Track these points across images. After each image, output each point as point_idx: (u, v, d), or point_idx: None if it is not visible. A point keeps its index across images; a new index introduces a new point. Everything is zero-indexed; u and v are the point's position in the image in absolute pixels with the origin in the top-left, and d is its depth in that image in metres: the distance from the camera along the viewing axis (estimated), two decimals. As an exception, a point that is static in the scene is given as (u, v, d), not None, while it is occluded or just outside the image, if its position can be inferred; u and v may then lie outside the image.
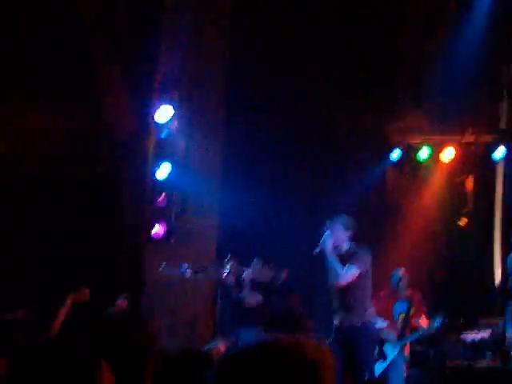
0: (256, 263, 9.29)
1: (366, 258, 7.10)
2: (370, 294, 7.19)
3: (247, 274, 9.16)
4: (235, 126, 11.02)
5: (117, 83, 9.39)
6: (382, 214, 12.24)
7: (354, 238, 7.53)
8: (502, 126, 11.65)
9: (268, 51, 11.12)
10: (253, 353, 1.75)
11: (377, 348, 8.57)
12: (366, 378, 6.68)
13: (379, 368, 8.58)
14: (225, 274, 8.85)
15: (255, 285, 9.26)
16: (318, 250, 7.14)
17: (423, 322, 9.16)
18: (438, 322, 8.93)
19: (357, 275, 7.05)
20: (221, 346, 3.91)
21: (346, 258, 7.23)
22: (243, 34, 10.80)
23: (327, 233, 7.24)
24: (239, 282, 9.22)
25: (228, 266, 8.81)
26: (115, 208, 9.32)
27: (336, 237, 7.21)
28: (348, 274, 7.01)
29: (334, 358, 1.80)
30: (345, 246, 7.27)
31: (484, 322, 9.90)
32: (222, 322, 8.79)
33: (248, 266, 9.11)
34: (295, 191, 11.91)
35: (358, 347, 6.96)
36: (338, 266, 7.02)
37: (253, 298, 9.24)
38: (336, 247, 7.22)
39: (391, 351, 8.84)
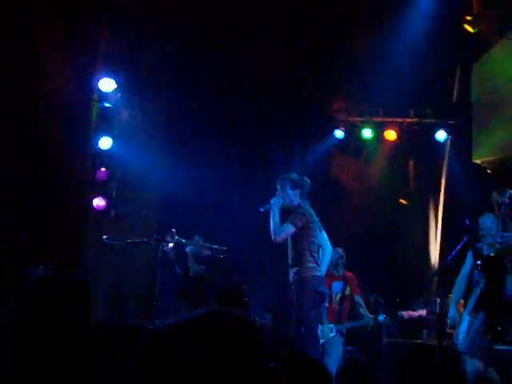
0: (197, 239, 9.29)
1: (302, 217, 7.03)
2: (313, 249, 7.14)
3: (189, 249, 9.14)
4: (178, 100, 10.94)
5: (59, 52, 9.18)
6: (325, 193, 12.32)
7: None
8: (446, 107, 11.81)
9: (207, 30, 11.06)
10: (184, 328, 1.72)
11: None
12: (302, 331, 6.66)
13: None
14: (167, 247, 8.80)
15: (197, 259, 9.27)
16: (263, 207, 7.10)
17: (368, 312, 9.23)
18: (381, 318, 9.03)
19: (291, 232, 7.02)
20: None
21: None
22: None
23: (277, 191, 7.22)
24: (182, 256, 9.23)
25: (170, 239, 8.75)
26: (54, 179, 9.13)
27: (284, 194, 7.16)
28: (282, 231, 7.00)
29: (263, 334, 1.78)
30: (295, 203, 7.21)
31: (421, 300, 10.05)
32: (161, 294, 8.73)
33: (189, 238, 9.11)
34: (237, 167, 11.88)
35: (296, 301, 6.96)
36: (275, 223, 7.00)
37: (197, 268, 9.27)
38: (286, 205, 7.18)
39: (330, 330, 8.92)
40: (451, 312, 7.21)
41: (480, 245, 6.99)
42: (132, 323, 7.99)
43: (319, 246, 7.30)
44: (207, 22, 10.93)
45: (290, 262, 7.09)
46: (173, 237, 8.52)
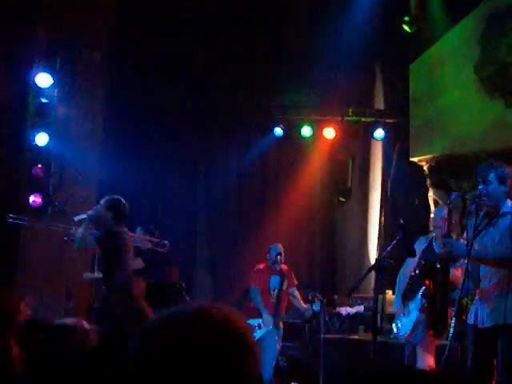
0: (139, 231, 9.27)
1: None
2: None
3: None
4: (116, 95, 10.87)
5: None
6: (264, 190, 12.39)
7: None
8: (382, 106, 11.96)
9: (154, 22, 11.03)
10: (180, 321, 1.68)
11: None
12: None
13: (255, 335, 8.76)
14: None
15: (137, 252, 9.25)
16: (78, 218, 7.35)
17: (303, 303, 9.31)
18: (316, 308, 9.10)
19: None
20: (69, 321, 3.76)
21: None
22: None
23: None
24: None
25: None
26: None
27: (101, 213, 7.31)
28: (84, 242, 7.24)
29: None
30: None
31: (358, 296, 10.17)
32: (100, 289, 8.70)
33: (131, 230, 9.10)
34: (176, 162, 11.86)
35: None
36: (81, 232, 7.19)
37: (135, 262, 9.24)
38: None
39: (266, 324, 8.97)
40: (397, 303, 7.29)
41: (430, 237, 7.13)
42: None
43: None
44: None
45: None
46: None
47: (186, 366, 1.60)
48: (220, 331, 1.66)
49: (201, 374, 1.60)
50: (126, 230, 7.33)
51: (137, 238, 9.06)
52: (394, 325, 7.38)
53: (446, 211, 6.52)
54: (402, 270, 7.42)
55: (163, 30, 11.08)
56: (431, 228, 10.85)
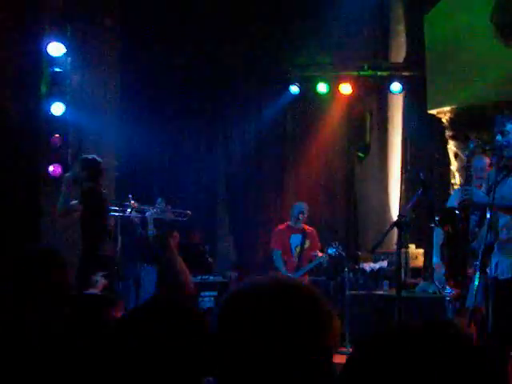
0: (159, 202, 9.27)
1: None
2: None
3: (150, 213, 9.11)
4: (131, 63, 10.81)
5: (5, 16, 9.01)
6: (283, 149, 12.35)
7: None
8: (399, 59, 11.83)
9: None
10: (262, 291, 1.69)
11: None
12: None
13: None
14: (128, 212, 8.78)
15: (159, 224, 9.27)
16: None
17: (319, 253, 9.38)
18: (331, 251, 9.14)
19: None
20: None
21: None
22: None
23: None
24: (142, 221, 9.20)
25: (130, 205, 8.73)
26: (8, 146, 9.01)
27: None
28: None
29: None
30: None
31: (381, 252, 10.17)
32: (124, 258, 8.76)
33: (148, 204, 9.09)
34: (194, 128, 11.85)
35: None
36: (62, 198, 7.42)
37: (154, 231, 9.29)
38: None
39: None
40: (435, 257, 7.11)
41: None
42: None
43: None
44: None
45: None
46: (130, 203, 8.51)
47: (271, 333, 1.63)
48: (308, 306, 1.71)
49: (283, 344, 1.63)
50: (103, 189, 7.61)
51: (159, 209, 9.08)
52: (436, 281, 7.30)
53: (486, 160, 6.38)
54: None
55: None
56: (453, 180, 10.84)
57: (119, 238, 8.42)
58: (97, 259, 7.20)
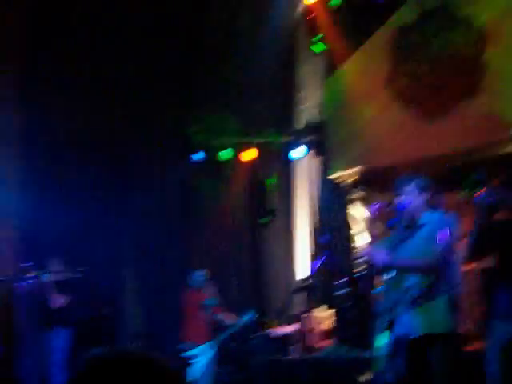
0: (56, 265, 9.14)
1: None
2: None
3: (48, 276, 8.97)
4: (31, 134, 10.62)
5: None
6: (186, 215, 12.28)
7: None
8: (299, 126, 12.03)
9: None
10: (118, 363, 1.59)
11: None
12: None
13: (195, 368, 8.73)
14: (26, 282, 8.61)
15: (59, 286, 9.11)
16: None
17: (229, 317, 9.31)
18: (248, 317, 9.09)
19: None
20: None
21: None
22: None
23: None
24: (42, 286, 9.06)
25: (34, 273, 8.59)
26: None
27: None
28: None
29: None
30: None
31: (289, 315, 10.16)
32: (21, 326, 8.54)
33: (46, 266, 8.98)
34: (99, 197, 11.66)
35: None
36: None
37: (59, 300, 9.11)
38: None
39: (207, 349, 8.92)
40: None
41: None
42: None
43: None
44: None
45: None
46: (27, 271, 8.36)
47: None
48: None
49: None
50: None
51: (52, 271, 8.95)
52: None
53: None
54: None
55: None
56: (353, 244, 10.98)
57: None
58: None
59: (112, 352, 1.65)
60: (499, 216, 5.50)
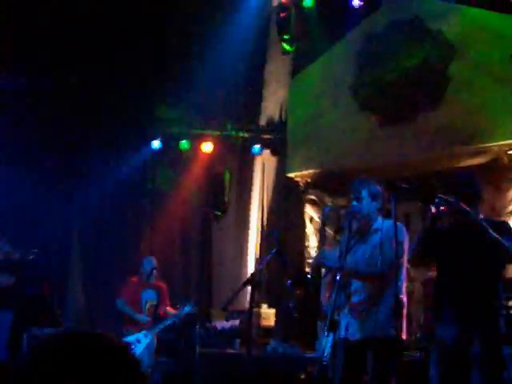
0: (2, 244, 9.00)
1: None
2: None
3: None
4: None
5: None
6: (140, 203, 12.25)
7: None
8: (261, 122, 12.07)
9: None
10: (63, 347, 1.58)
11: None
12: None
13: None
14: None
15: (4, 265, 8.98)
16: None
17: (171, 309, 9.31)
18: (187, 309, 9.07)
19: None
20: None
21: None
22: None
23: None
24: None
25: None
26: None
27: None
28: None
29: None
30: None
31: (234, 310, 10.19)
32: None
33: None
34: (49, 179, 11.51)
35: None
36: None
37: (3, 279, 8.98)
38: None
39: (143, 339, 8.87)
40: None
41: None
42: None
43: None
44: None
45: None
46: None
47: None
48: (112, 359, 1.60)
49: None
50: None
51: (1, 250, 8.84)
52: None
53: None
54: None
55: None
56: (307, 243, 11.07)
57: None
58: None
59: (59, 331, 1.65)
60: (444, 223, 5.57)
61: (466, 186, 5.45)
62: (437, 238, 5.43)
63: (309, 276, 6.32)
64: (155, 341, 9.10)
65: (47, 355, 1.57)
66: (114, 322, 9.73)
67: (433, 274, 6.09)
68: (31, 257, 8.91)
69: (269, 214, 11.72)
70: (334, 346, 5.37)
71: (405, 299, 5.42)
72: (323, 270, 5.86)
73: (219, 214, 12.02)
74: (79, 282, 11.96)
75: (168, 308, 9.36)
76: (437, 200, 5.27)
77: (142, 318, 9.04)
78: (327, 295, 5.67)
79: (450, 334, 5.27)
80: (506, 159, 9.15)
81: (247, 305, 10.02)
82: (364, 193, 5.53)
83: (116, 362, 1.60)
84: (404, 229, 5.52)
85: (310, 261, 5.84)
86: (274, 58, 11.79)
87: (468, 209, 5.28)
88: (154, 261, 9.38)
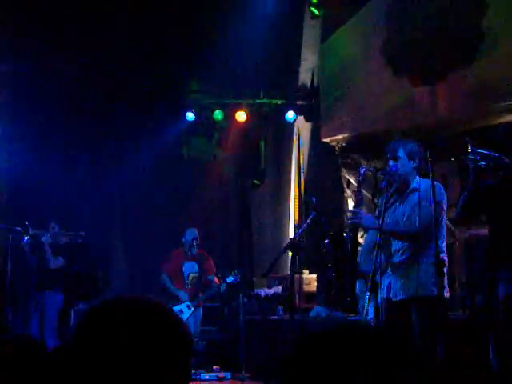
0: (53, 227, 9.12)
1: None
2: None
3: (46, 238, 8.97)
4: (23, 85, 10.59)
5: None
6: (177, 175, 12.32)
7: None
8: (294, 89, 12.04)
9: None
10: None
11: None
12: None
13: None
14: (25, 240, 8.64)
15: (55, 248, 9.11)
16: None
17: (216, 279, 9.39)
18: (230, 279, 9.14)
19: None
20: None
21: None
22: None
23: None
24: (38, 246, 9.05)
25: (24, 232, 8.59)
26: None
27: None
28: None
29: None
30: None
31: (275, 277, 10.25)
32: (14, 286, 8.57)
33: (44, 226, 8.96)
34: (88, 153, 11.66)
35: None
36: None
37: (55, 261, 9.12)
38: None
39: (186, 310, 8.98)
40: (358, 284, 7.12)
41: None
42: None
43: None
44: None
45: None
46: (26, 229, 8.38)
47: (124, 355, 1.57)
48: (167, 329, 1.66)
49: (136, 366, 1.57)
50: None
51: (53, 233, 8.96)
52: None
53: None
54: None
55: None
56: (345, 207, 11.07)
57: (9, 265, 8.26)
58: None
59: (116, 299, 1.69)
60: (490, 180, 5.55)
61: (502, 142, 5.42)
62: (485, 193, 5.41)
63: (345, 235, 6.29)
64: (201, 311, 9.22)
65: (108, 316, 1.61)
66: (157, 296, 9.85)
67: (476, 231, 6.08)
68: (80, 240, 9.07)
69: (306, 179, 11.73)
70: (376, 307, 5.39)
71: (446, 258, 5.41)
72: (360, 231, 5.86)
73: (257, 182, 12.07)
74: (122, 257, 12.12)
75: (215, 278, 9.42)
76: (473, 156, 5.25)
77: (182, 295, 9.13)
78: (365, 256, 5.68)
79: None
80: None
81: (289, 271, 10.11)
82: (401, 152, 5.50)
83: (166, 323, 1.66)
84: (442, 188, 5.50)
85: (348, 222, 5.76)
86: (305, 24, 11.72)
87: (507, 160, 5.25)
88: (195, 231, 9.45)
